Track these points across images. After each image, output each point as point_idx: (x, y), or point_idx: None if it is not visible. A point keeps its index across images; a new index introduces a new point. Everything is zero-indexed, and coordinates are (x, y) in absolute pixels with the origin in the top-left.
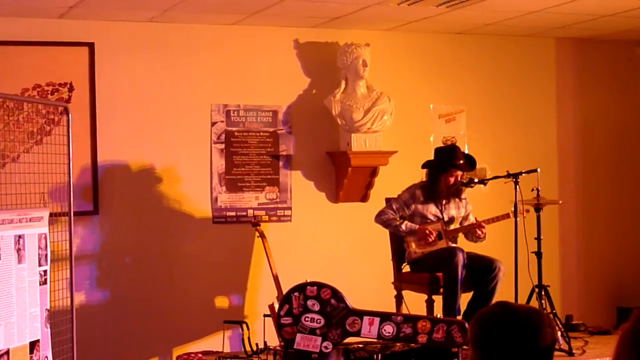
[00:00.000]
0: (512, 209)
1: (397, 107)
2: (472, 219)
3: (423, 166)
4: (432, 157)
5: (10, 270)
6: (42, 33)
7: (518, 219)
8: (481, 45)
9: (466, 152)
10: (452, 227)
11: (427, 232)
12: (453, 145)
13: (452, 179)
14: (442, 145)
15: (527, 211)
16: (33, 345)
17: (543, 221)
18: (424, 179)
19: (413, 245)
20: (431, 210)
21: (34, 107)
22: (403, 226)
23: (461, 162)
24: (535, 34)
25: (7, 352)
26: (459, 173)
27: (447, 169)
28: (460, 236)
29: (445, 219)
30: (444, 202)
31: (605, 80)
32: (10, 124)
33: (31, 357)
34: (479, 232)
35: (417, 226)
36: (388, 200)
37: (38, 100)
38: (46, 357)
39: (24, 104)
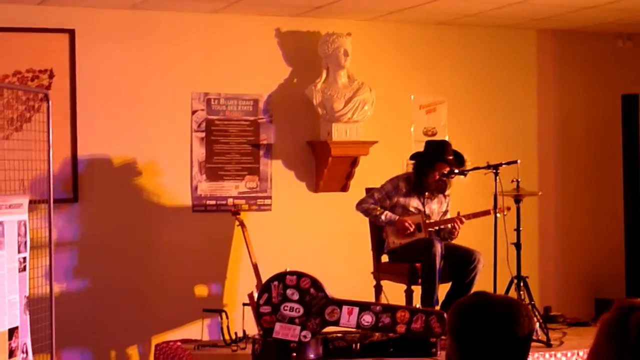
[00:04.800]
0: (493, 205)
1: (378, 98)
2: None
3: (412, 157)
4: (413, 148)
5: None
6: (22, 19)
7: (499, 215)
8: (462, 36)
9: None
10: (431, 220)
11: (407, 224)
12: (444, 141)
13: (438, 174)
14: (426, 136)
15: (508, 209)
16: (12, 332)
17: (522, 212)
18: (408, 171)
19: (391, 235)
20: (413, 203)
21: (13, 94)
22: (383, 217)
23: (450, 157)
24: (516, 25)
25: None
26: (447, 169)
27: (436, 163)
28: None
29: (427, 212)
30: (427, 195)
31: (586, 72)
32: None
33: (10, 344)
34: (456, 227)
35: (397, 217)
36: (368, 190)
37: (18, 87)
38: (25, 343)
39: (4, 90)
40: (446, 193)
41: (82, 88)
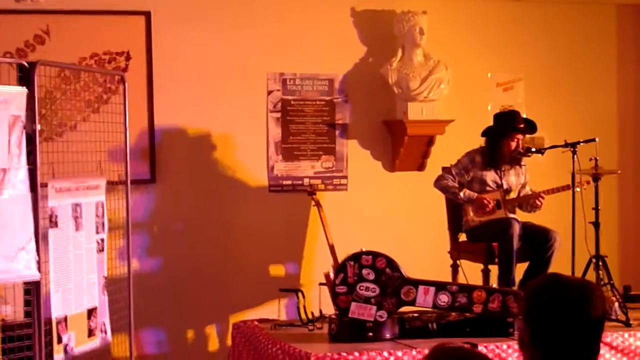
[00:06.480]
0: (571, 182)
1: (454, 76)
2: (528, 189)
3: (483, 134)
4: (490, 125)
5: (68, 237)
6: (99, 2)
7: (578, 190)
8: (540, 12)
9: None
10: (510, 195)
11: (486, 201)
12: (513, 111)
13: (513, 144)
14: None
15: (588, 182)
16: (91, 312)
17: (601, 191)
18: (483, 145)
19: (471, 213)
20: (490, 176)
21: (91, 76)
22: (461, 194)
23: (522, 125)
24: (595, 0)
25: (65, 319)
26: (520, 137)
27: (508, 133)
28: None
29: (505, 186)
30: (503, 168)
31: None
32: (68, 92)
33: (89, 323)
34: (538, 202)
35: (476, 195)
36: (445, 169)
37: (95, 69)
38: (104, 323)
39: (82, 72)
40: (522, 163)
41: (158, 70)
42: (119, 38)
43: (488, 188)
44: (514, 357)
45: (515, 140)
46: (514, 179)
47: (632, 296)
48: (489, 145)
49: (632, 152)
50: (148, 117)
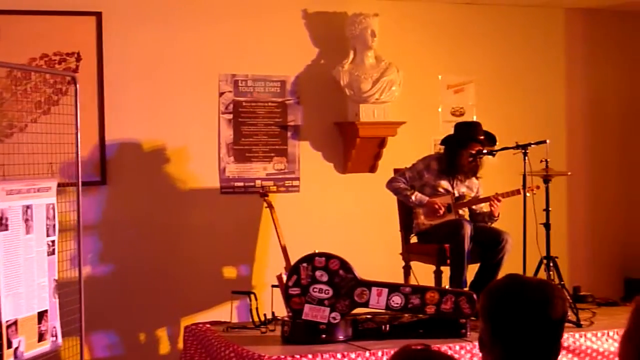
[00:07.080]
0: (522, 185)
1: (406, 78)
2: (482, 205)
3: (442, 142)
4: (441, 129)
5: (18, 240)
6: (49, 2)
7: (528, 195)
8: (490, 15)
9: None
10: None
11: (437, 206)
12: (474, 121)
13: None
14: (453, 117)
15: (538, 187)
16: (41, 315)
17: (551, 193)
18: (440, 152)
19: (422, 217)
20: (443, 184)
21: (41, 77)
22: (413, 197)
23: (482, 137)
24: (544, 4)
25: (15, 323)
26: (480, 148)
27: (468, 143)
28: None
29: (456, 194)
30: (457, 177)
31: (615, 51)
32: (18, 93)
33: (39, 327)
34: (495, 206)
35: (427, 198)
36: (397, 170)
37: (45, 70)
38: (54, 327)
39: (32, 73)
40: (478, 175)
41: (109, 71)
42: (69, 39)
43: (438, 193)
44: (467, 358)
45: (475, 151)
46: (465, 191)
47: (581, 296)
48: (447, 154)
49: (580, 154)
50: (99, 118)
